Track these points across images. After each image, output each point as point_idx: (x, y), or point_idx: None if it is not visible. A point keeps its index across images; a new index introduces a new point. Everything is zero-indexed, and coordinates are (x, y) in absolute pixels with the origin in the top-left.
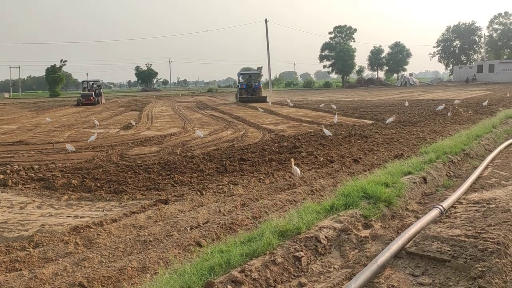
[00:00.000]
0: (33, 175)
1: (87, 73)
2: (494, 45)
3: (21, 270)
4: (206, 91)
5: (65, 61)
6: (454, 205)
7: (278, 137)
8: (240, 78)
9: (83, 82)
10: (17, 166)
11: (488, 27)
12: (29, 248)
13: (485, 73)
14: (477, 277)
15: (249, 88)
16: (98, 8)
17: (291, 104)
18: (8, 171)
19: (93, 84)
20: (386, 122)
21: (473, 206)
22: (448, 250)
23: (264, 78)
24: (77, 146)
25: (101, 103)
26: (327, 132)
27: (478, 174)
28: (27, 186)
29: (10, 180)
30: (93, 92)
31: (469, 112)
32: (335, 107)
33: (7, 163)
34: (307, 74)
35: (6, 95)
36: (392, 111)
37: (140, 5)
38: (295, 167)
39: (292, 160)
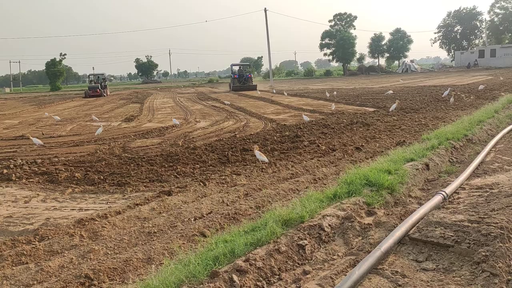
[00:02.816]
0: (36, 169)
1: (93, 67)
2: (495, 30)
3: (27, 263)
4: (206, 82)
5: (65, 54)
6: (457, 191)
7: (280, 126)
8: (233, 69)
9: (89, 75)
10: (20, 161)
11: (489, 12)
12: (34, 242)
13: (487, 58)
14: (480, 262)
15: (241, 78)
16: (96, 1)
17: (274, 91)
18: (11, 166)
19: (99, 77)
20: (390, 110)
21: (476, 192)
22: (451, 236)
23: (264, 68)
24: (80, 140)
25: (107, 95)
26: (306, 118)
27: (481, 160)
28: (30, 180)
29: (13, 175)
30: (99, 85)
31: (471, 97)
32: (328, 94)
33: (10, 157)
34: (307, 63)
35: (7, 90)
36: (393, 98)
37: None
38: (258, 152)
39: (256, 146)
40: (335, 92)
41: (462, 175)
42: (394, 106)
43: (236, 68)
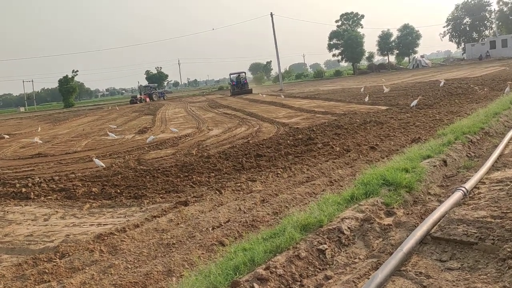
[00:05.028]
0: (54, 186)
1: (138, 81)
2: (505, 20)
3: (49, 281)
4: (217, 90)
5: (77, 71)
6: (477, 186)
7: (293, 130)
8: (231, 77)
9: (140, 86)
10: (38, 179)
11: (498, 2)
12: (55, 259)
13: (499, 49)
14: (506, 258)
15: (238, 84)
16: (104, 16)
17: (283, 96)
18: (29, 184)
19: (151, 87)
20: (411, 105)
21: (496, 186)
22: (474, 233)
23: (274, 72)
24: (95, 154)
25: (147, 101)
26: None
27: (499, 153)
28: (49, 197)
29: (32, 193)
30: (137, 95)
31: (485, 89)
32: (367, 99)
33: (28, 176)
34: (317, 65)
35: (22, 109)
36: (406, 94)
37: (145, 10)
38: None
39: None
40: (387, 89)
41: (481, 169)
42: (415, 102)
43: (234, 76)
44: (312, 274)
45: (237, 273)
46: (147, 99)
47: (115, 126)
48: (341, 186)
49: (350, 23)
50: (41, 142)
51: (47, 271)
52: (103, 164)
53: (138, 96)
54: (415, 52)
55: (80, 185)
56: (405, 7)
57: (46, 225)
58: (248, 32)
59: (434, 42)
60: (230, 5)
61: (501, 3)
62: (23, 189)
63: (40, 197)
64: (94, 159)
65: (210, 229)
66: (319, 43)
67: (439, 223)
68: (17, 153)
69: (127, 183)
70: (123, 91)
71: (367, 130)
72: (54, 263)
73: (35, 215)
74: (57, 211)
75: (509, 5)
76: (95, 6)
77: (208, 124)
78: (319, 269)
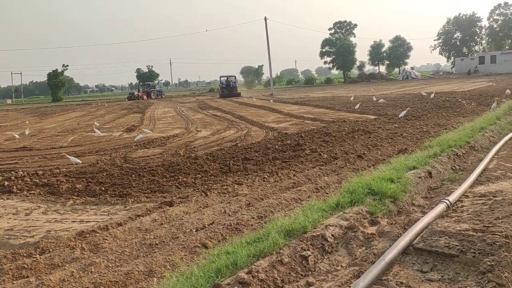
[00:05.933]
0: (37, 180)
1: (137, 79)
2: (495, 36)
3: (28, 277)
4: (207, 91)
5: (67, 65)
6: (461, 199)
7: (281, 135)
8: (221, 80)
9: (139, 84)
10: (21, 172)
11: (488, 18)
12: (35, 255)
13: (487, 64)
14: (486, 272)
15: (228, 87)
16: (98, 11)
17: (271, 100)
18: (12, 178)
19: (149, 85)
20: (399, 116)
21: (479, 199)
22: (456, 245)
23: (265, 77)
24: (81, 150)
25: (144, 98)
26: None
27: (484, 167)
28: (32, 192)
29: (15, 187)
30: (134, 91)
31: (472, 104)
32: (357, 106)
33: (11, 169)
34: (308, 71)
35: (9, 101)
36: (395, 105)
37: (141, 7)
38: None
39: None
40: (381, 100)
41: (465, 182)
42: (403, 113)
43: (223, 79)
44: (294, 280)
45: (219, 276)
46: (145, 97)
47: (98, 124)
48: (327, 193)
49: (343, 31)
50: (18, 137)
51: (26, 266)
52: (79, 161)
53: (136, 93)
54: (406, 64)
55: (64, 181)
56: (398, 19)
57: (27, 219)
58: (241, 36)
59: (424, 54)
60: (224, 5)
61: (491, 19)
62: (6, 183)
63: (23, 191)
64: (68, 156)
65: (194, 230)
66: (311, 50)
67: (421, 234)
68: (1, 145)
69: (112, 181)
70: (113, 88)
71: (355, 139)
72: (34, 259)
73: (17, 209)
74: (39, 206)
75: (499, 22)
76: (95, 2)
77: (197, 125)
78: (301, 275)
